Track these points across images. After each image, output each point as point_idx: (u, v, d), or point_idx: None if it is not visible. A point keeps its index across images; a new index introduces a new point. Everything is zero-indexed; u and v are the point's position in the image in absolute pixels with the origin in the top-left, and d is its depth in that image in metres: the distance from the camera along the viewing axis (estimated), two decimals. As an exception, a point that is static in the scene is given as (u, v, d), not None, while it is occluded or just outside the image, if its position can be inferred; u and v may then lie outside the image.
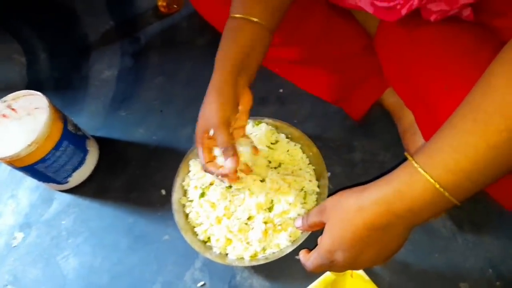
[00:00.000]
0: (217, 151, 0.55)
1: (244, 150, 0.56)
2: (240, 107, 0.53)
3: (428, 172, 0.35)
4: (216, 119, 0.50)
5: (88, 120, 0.92)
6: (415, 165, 0.36)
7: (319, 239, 0.44)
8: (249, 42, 0.50)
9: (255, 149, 0.58)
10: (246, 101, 0.53)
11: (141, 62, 1.01)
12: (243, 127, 0.56)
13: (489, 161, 0.33)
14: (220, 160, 0.55)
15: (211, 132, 0.52)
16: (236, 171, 0.54)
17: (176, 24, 1.06)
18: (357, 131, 0.75)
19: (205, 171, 0.56)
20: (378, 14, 0.47)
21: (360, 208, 0.39)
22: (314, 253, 0.44)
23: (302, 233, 0.61)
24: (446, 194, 0.35)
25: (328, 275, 0.59)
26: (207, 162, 0.55)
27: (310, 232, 0.59)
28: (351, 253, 0.40)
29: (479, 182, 0.35)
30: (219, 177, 0.55)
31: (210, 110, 0.51)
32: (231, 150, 0.52)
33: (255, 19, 0.50)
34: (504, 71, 0.33)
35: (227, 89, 0.50)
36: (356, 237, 0.39)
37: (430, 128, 0.51)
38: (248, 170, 0.58)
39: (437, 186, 0.35)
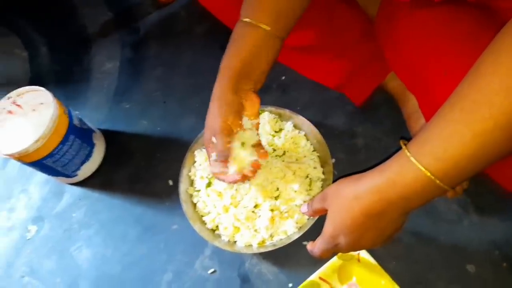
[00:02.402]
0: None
1: (242, 154, 0.55)
2: (246, 112, 0.53)
3: (418, 161, 0.36)
4: (216, 126, 0.51)
5: (92, 113, 0.93)
6: (407, 153, 0.37)
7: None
8: (252, 49, 0.49)
9: (260, 149, 0.56)
10: (251, 104, 0.53)
11: (141, 52, 1.01)
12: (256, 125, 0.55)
13: (475, 149, 0.34)
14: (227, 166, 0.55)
15: (213, 139, 0.52)
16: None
17: (174, 13, 1.05)
18: (359, 116, 0.75)
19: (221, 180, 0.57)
20: None
21: (356, 196, 0.41)
22: (319, 239, 0.48)
23: (308, 219, 0.62)
24: (437, 181, 0.36)
25: (335, 260, 0.60)
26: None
27: (316, 218, 0.60)
28: (352, 237, 0.44)
29: (469, 169, 0.36)
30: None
31: (212, 118, 0.52)
32: (222, 157, 0.53)
33: (262, 25, 0.49)
34: (493, 59, 0.34)
35: (227, 96, 0.50)
36: (355, 223, 0.42)
37: (432, 112, 0.51)
38: (257, 167, 0.56)
39: (428, 174, 0.36)
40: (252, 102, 0.52)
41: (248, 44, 0.50)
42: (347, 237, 0.44)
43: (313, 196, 0.63)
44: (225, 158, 0.53)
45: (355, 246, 0.45)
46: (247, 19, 0.50)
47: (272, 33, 0.50)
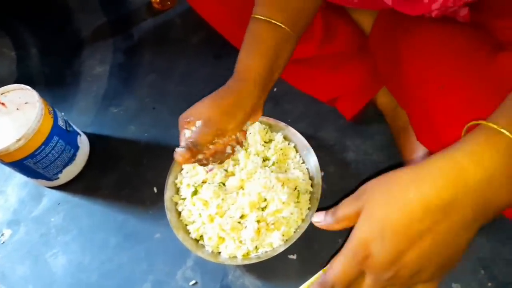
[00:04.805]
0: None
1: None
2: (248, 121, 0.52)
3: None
4: (217, 123, 0.48)
5: (79, 116, 0.91)
6: (495, 126, 0.28)
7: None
8: (274, 51, 0.48)
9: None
10: (253, 118, 0.52)
11: (134, 58, 1.00)
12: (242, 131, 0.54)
13: None
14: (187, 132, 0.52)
15: (198, 123, 0.49)
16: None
17: (169, 21, 1.05)
18: (350, 131, 0.75)
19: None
20: (399, 7, 0.45)
21: (415, 178, 0.28)
22: (338, 256, 0.32)
23: (295, 232, 0.61)
24: None
25: (321, 273, 0.59)
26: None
27: (303, 231, 0.58)
28: (394, 245, 0.28)
29: None
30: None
31: (219, 110, 0.48)
32: (191, 150, 0.49)
33: (279, 23, 0.47)
34: None
35: (248, 106, 0.48)
36: (405, 220, 0.27)
37: (424, 128, 0.51)
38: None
39: None
40: (256, 115, 0.52)
41: (271, 44, 0.48)
42: (386, 243, 0.28)
43: (301, 209, 0.62)
44: (189, 147, 0.49)
45: (394, 262, 0.28)
46: (263, 17, 0.48)
47: (290, 33, 0.48)
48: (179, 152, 0.49)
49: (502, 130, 0.27)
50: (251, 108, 0.49)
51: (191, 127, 0.51)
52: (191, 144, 0.49)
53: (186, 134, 0.52)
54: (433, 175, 0.28)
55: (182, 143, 0.50)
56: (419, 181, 0.28)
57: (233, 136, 0.52)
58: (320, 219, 0.35)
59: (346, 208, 0.33)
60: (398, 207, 0.28)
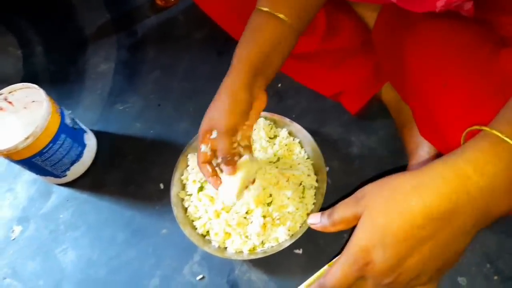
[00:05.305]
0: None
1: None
2: (252, 110, 0.50)
3: None
4: (222, 124, 0.48)
5: (85, 113, 0.92)
6: (498, 134, 0.28)
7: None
8: (270, 42, 0.47)
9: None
10: (259, 104, 0.50)
11: (138, 55, 1.01)
12: (251, 126, 0.52)
13: None
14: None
15: (214, 135, 0.50)
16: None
17: (173, 17, 1.05)
18: (354, 126, 0.75)
19: (200, 168, 0.55)
20: (403, 4, 0.44)
21: (417, 185, 0.28)
22: (337, 260, 0.32)
23: (300, 227, 0.61)
24: None
25: (326, 268, 0.59)
26: (202, 162, 0.54)
27: (308, 226, 0.59)
28: (396, 251, 0.28)
29: None
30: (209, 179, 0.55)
31: (218, 112, 0.48)
32: (231, 161, 0.49)
33: (281, 15, 0.46)
34: None
35: (240, 94, 0.47)
36: (406, 228, 0.28)
37: (427, 123, 0.51)
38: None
39: None
40: (261, 101, 0.51)
41: (267, 36, 0.47)
42: (387, 250, 0.28)
43: (306, 204, 0.63)
44: (230, 161, 0.49)
45: (395, 268, 0.29)
46: (266, 8, 0.47)
47: (293, 26, 0.47)
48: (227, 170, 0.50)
49: (505, 138, 0.28)
50: (244, 98, 0.47)
51: (207, 141, 0.52)
52: (222, 159, 0.50)
53: (202, 149, 0.52)
54: (436, 183, 0.28)
55: (219, 160, 0.51)
56: (421, 188, 0.28)
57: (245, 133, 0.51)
58: (316, 221, 0.35)
59: (343, 210, 0.33)
60: (400, 215, 0.28)
